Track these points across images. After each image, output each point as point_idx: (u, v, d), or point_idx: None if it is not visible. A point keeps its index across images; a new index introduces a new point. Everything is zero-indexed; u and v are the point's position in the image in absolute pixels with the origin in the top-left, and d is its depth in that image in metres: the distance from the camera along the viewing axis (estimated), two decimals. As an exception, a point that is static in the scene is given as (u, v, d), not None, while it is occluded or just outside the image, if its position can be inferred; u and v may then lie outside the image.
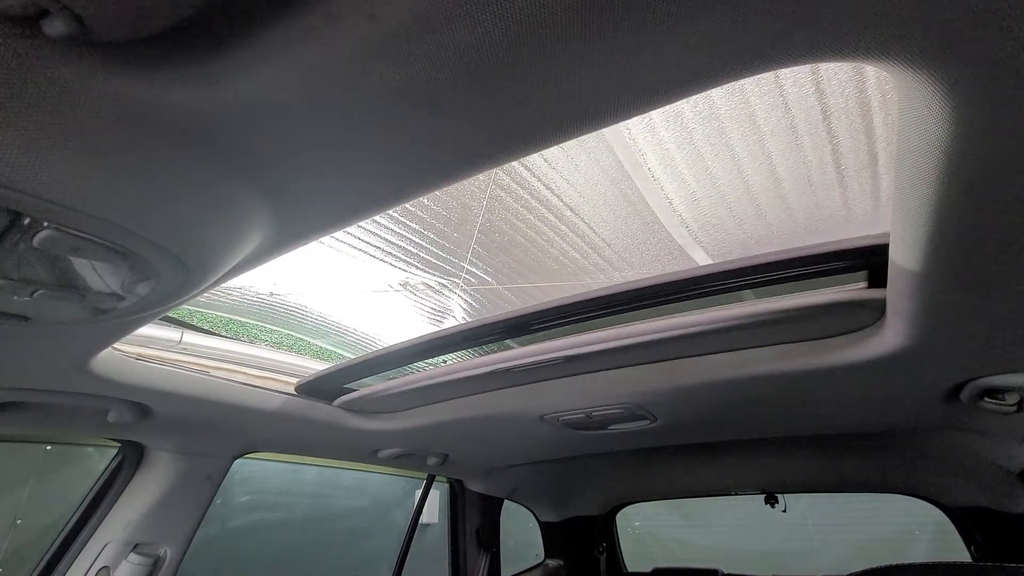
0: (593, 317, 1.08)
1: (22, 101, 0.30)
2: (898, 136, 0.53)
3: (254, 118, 0.37)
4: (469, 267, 2.52)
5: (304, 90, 0.35)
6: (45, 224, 0.36)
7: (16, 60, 0.29)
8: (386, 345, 1.30)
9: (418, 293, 2.76)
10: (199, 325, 2.17)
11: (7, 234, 0.36)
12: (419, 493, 2.48)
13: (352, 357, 1.35)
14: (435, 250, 2.39)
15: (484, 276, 2.62)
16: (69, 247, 0.39)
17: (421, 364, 1.78)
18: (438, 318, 3.00)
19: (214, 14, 0.31)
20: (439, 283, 2.64)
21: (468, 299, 2.83)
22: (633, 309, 1.05)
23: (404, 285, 2.65)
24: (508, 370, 1.23)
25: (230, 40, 0.32)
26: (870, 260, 0.87)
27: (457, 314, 2.95)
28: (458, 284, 2.66)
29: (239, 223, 0.47)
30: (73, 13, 0.27)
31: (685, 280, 0.96)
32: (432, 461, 1.97)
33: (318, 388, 1.41)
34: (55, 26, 0.28)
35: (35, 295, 0.45)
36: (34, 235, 0.37)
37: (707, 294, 0.99)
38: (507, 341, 1.72)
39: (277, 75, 0.34)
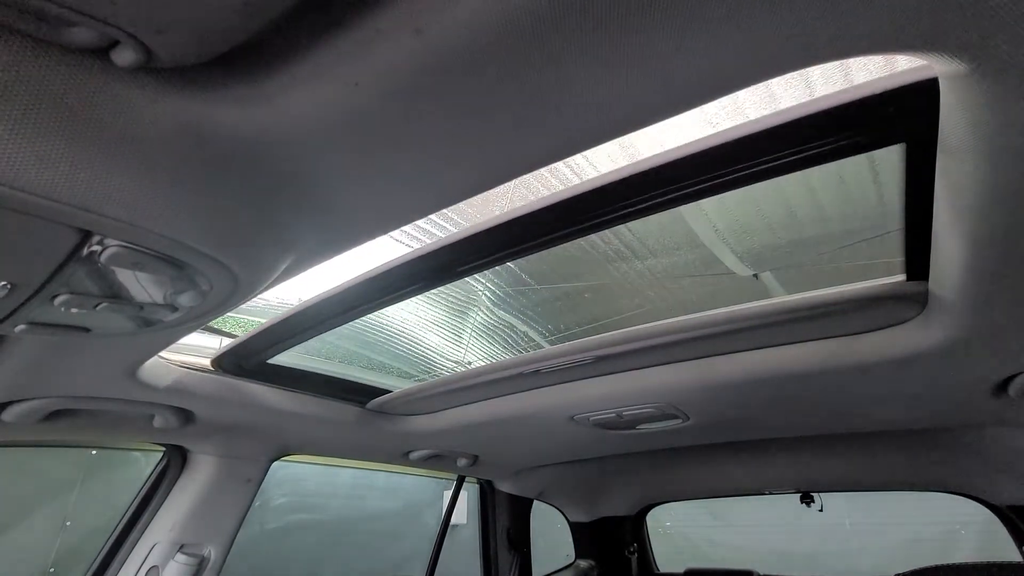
0: (561, 234, 0.79)
1: (93, 125, 0.31)
2: (941, 128, 0.51)
3: (303, 133, 0.38)
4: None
5: (351, 104, 0.36)
6: (112, 241, 0.38)
7: (87, 88, 0.31)
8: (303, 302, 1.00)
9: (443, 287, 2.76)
10: (228, 331, 2.22)
11: (77, 251, 0.38)
12: (449, 494, 2.50)
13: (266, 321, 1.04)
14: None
15: (511, 266, 2.60)
16: (132, 262, 0.41)
17: (451, 365, 1.79)
18: (463, 307, 2.99)
19: (267, 37, 0.32)
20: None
21: (495, 287, 2.82)
22: (607, 215, 0.74)
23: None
24: (538, 371, 1.24)
25: (282, 59, 0.34)
26: (912, 123, 0.56)
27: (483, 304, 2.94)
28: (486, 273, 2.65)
29: (285, 235, 0.49)
30: (141, 43, 0.29)
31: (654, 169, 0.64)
32: (462, 462, 1.98)
33: (235, 364, 1.17)
34: (124, 56, 0.29)
35: (97, 308, 0.48)
36: (102, 252, 0.39)
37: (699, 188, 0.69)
38: (538, 340, 1.71)
39: (326, 90, 0.35)
